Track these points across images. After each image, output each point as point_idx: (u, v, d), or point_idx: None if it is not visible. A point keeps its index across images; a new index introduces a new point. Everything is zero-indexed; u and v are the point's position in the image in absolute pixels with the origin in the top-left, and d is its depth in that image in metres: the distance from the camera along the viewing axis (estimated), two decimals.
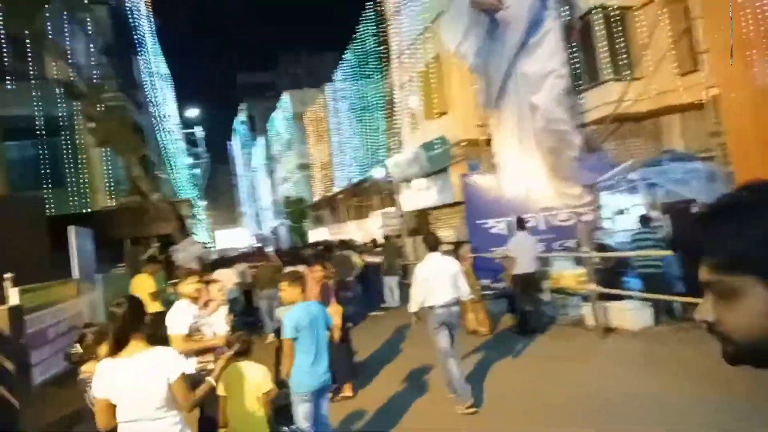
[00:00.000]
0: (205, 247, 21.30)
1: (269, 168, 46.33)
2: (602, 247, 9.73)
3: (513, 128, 12.95)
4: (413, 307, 6.08)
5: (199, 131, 38.77)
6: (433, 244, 6.34)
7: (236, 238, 50.65)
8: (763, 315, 0.73)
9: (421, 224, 19.16)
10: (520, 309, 9.24)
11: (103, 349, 3.10)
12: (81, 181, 15.69)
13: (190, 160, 38.70)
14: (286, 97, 37.50)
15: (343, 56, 24.69)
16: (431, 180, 15.93)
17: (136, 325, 2.99)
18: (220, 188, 72.48)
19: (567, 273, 9.50)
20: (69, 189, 15.47)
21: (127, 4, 20.02)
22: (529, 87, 12.85)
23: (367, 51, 21.17)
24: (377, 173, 17.57)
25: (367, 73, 21.40)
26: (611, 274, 9.05)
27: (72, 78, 12.49)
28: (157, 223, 13.44)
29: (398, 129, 18.00)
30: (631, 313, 8.26)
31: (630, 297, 8.38)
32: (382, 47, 18.92)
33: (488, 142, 13.89)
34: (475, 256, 10.96)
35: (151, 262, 9.61)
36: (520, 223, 9.84)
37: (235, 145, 62.38)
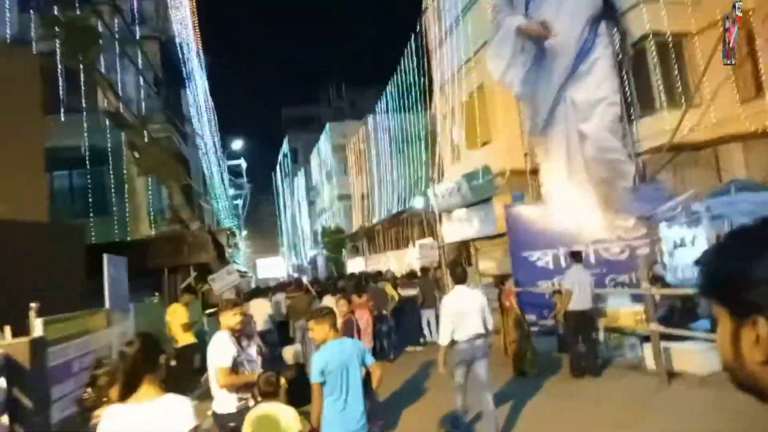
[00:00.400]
0: (243, 276, 21.25)
1: (310, 199, 46.70)
2: (663, 283, 8.97)
3: (562, 157, 12.41)
4: (443, 340, 5.88)
5: (242, 163, 39.56)
6: (460, 276, 6.23)
7: (275, 268, 51.07)
8: (727, 342, 0.82)
9: (461, 256, 18.57)
10: (573, 349, 8.53)
11: (114, 392, 2.82)
12: (124, 210, 15.93)
13: (232, 191, 39.45)
14: (327, 129, 37.93)
15: (385, 89, 24.77)
16: (473, 211, 15.42)
17: (149, 367, 2.66)
18: (262, 219, 73.70)
19: (624, 311, 8.77)
20: (112, 218, 15.72)
21: (177, 39, 20.70)
22: (579, 115, 12.34)
23: (409, 83, 21.12)
24: (417, 203, 17.18)
25: (408, 105, 21.32)
26: (674, 313, 8.28)
27: (120, 109, 12.73)
28: (195, 252, 13.38)
29: (440, 160, 17.66)
30: (697, 357, 7.45)
31: (696, 338, 7.59)
32: (423, 79, 18.80)
33: (534, 171, 13.36)
34: (520, 290, 10.32)
35: (186, 292, 9.42)
36: (576, 256, 9.11)
37: (278, 176, 63.47)
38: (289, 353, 10.75)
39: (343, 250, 33.89)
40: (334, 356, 4.03)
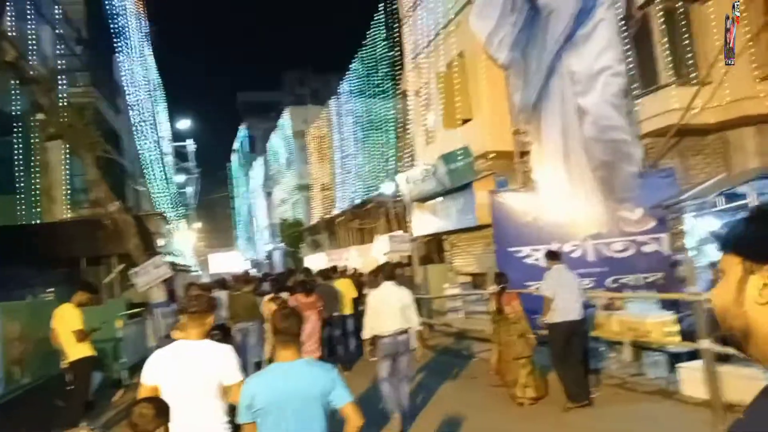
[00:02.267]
0: (184, 271, 18.65)
1: (267, 189, 44.02)
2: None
3: (556, 137, 10.58)
4: (365, 334, 6.38)
5: (190, 144, 36.54)
6: (389, 273, 6.68)
7: (230, 263, 48.10)
8: (732, 288, 0.92)
9: (433, 251, 16.61)
10: (563, 372, 6.62)
11: None
12: (32, 187, 13.23)
13: (182, 178, 36.44)
14: (286, 114, 35.41)
15: (349, 66, 22.56)
16: (449, 199, 13.46)
17: None
18: (217, 210, 70.16)
19: (650, 320, 6.93)
20: (18, 196, 13.01)
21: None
22: (577, 87, 10.51)
23: (377, 58, 18.99)
24: (386, 189, 15.10)
25: (375, 82, 19.19)
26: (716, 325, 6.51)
27: (19, 61, 10.12)
28: (113, 240, 10.92)
29: (411, 142, 15.63)
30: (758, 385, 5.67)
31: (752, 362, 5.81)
32: (393, 52, 16.71)
33: (523, 154, 11.50)
34: (520, 292, 8.35)
35: (84, 290, 7.03)
36: (553, 256, 7.26)
37: (233, 165, 60.32)
38: None
39: (302, 244, 31.54)
40: (272, 385, 2.70)
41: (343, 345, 10.71)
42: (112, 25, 17.08)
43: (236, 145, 58.30)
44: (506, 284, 7.43)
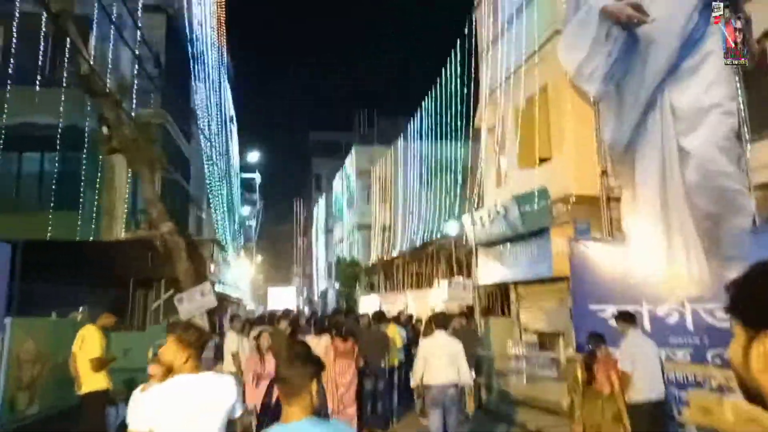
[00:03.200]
0: (229, 301, 18.08)
1: (328, 227, 43.85)
2: None
3: (653, 181, 9.21)
4: (414, 380, 6.43)
5: (257, 177, 37.00)
6: (441, 322, 6.70)
7: (285, 298, 47.98)
8: (740, 353, 0.96)
9: (496, 302, 15.18)
10: None
11: None
12: (94, 203, 13.14)
13: (245, 208, 36.87)
14: (352, 153, 35.34)
15: (420, 105, 22.01)
16: (520, 245, 12.19)
17: None
18: (280, 246, 71.08)
19: None
20: (84, 212, 12.93)
21: (193, 20, 18.34)
22: (681, 125, 9.16)
23: (449, 96, 18.28)
24: (450, 229, 13.99)
25: (446, 120, 18.44)
26: None
27: (92, 74, 10.06)
28: (161, 262, 10.40)
29: (480, 181, 14.57)
30: None
31: None
32: (468, 88, 15.93)
33: (610, 199, 10.17)
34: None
35: (111, 312, 6.32)
36: (627, 318, 6.43)
37: (298, 203, 61.13)
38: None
39: (357, 284, 30.67)
40: None
41: (386, 400, 9.52)
42: (190, 51, 17.37)
43: (304, 183, 59.19)
44: (600, 348, 6.07)
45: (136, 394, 3.60)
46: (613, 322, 9.09)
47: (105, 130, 10.08)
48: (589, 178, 10.59)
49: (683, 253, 8.81)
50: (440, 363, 6.20)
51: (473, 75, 15.16)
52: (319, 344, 8.51)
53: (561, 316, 11.45)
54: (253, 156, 35.79)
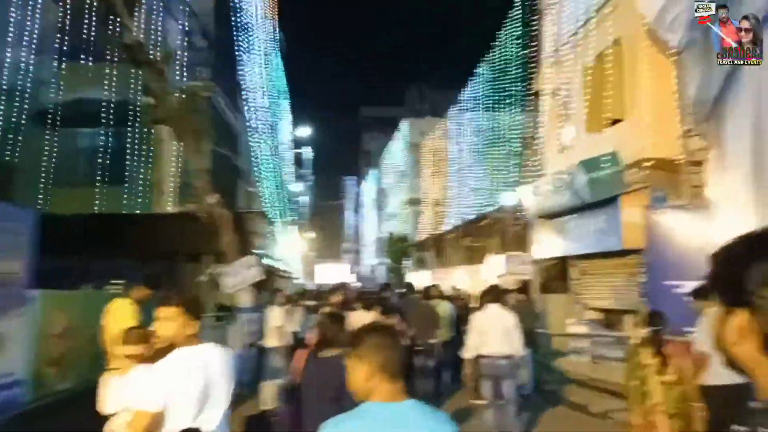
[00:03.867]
0: (278, 275, 17.85)
1: (378, 203, 43.40)
2: None
3: (745, 141, 8.03)
4: (467, 353, 6.49)
5: (308, 152, 36.81)
6: (494, 296, 6.69)
7: (338, 274, 48.08)
8: (717, 326, 1.01)
9: (555, 278, 14.21)
10: None
11: None
12: (140, 177, 13.02)
13: (299, 186, 36.84)
14: (404, 126, 34.48)
15: (474, 72, 20.89)
16: (586, 216, 11.18)
17: None
18: (331, 222, 71.54)
19: None
20: (129, 186, 12.86)
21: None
22: None
23: (507, 58, 17.12)
24: (506, 201, 13.04)
25: (503, 86, 17.30)
26: None
27: (139, 44, 9.74)
28: (206, 235, 10.11)
29: (540, 149, 13.53)
30: None
31: None
32: (527, 49, 14.76)
33: (694, 163, 9.03)
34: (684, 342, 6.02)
35: (147, 284, 5.92)
36: (702, 294, 5.46)
37: (350, 179, 61.00)
38: (268, 391, 7.29)
39: (407, 260, 30.11)
40: None
41: (436, 380, 8.94)
42: (239, 24, 16.96)
43: (355, 158, 58.91)
44: (663, 328, 5.19)
45: (110, 380, 3.57)
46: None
47: (150, 100, 9.75)
48: (666, 140, 9.45)
49: None
50: (494, 335, 6.29)
51: (534, 34, 14.00)
52: (363, 320, 8.00)
53: (629, 293, 10.45)
54: (305, 131, 35.50)
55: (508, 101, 17.09)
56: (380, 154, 45.36)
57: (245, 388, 8.51)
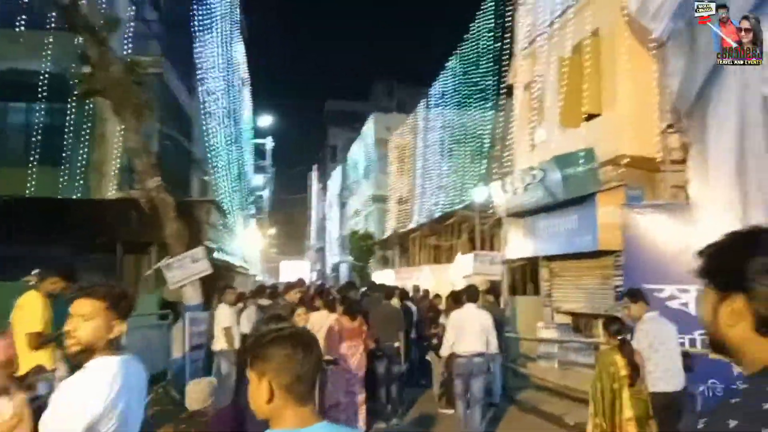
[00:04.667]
0: (234, 270, 16.87)
1: (342, 199, 42.56)
2: None
3: (729, 137, 7.63)
4: (443, 351, 6.80)
5: (268, 143, 35.64)
6: (472, 296, 6.86)
7: (299, 271, 47.06)
8: (710, 311, 1.12)
9: (523, 279, 13.77)
10: None
11: None
12: (79, 159, 11.86)
13: (258, 176, 35.64)
14: (370, 121, 33.77)
15: (443, 67, 20.33)
16: (558, 215, 10.70)
17: None
18: (294, 217, 70.12)
19: None
20: (63, 169, 11.68)
21: None
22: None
23: (479, 51, 16.61)
24: (476, 197, 12.45)
25: (474, 80, 16.79)
26: None
27: (75, 8, 8.67)
28: (147, 223, 9.14)
29: (511, 144, 13.04)
30: None
31: None
32: (500, 42, 14.24)
33: (674, 161, 8.61)
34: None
35: (60, 275, 5.00)
36: (636, 296, 5.43)
37: (314, 174, 59.91)
38: (195, 390, 6.54)
39: (371, 259, 29.41)
40: None
41: (398, 388, 8.27)
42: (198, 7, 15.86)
43: (319, 154, 57.77)
44: (625, 335, 4.95)
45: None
46: (671, 303, 7.73)
47: (86, 69, 8.70)
48: (644, 137, 9.03)
49: (763, 224, 7.31)
50: (471, 334, 6.47)
51: (508, 25, 13.48)
52: (326, 322, 7.24)
53: (603, 296, 10.02)
54: (265, 120, 34.29)
55: (479, 96, 16.57)
56: (345, 150, 44.51)
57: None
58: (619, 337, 4.85)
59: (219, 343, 8.60)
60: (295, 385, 1.51)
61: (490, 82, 15.65)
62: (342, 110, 53.13)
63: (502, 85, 14.22)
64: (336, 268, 40.43)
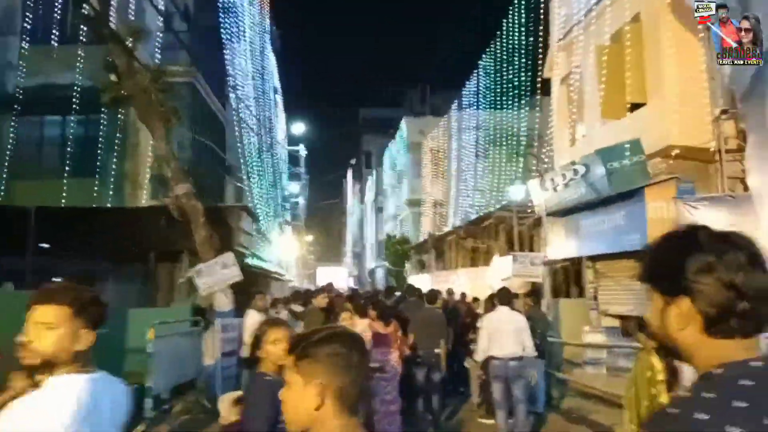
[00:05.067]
0: (269, 276, 16.79)
1: (377, 205, 42.36)
2: None
3: None
4: (478, 356, 6.78)
5: (302, 150, 35.77)
6: (505, 298, 6.70)
7: (337, 277, 47.12)
8: (657, 315, 1.08)
9: (567, 281, 13.13)
10: None
11: None
12: (111, 168, 11.96)
13: (294, 184, 35.81)
14: (403, 125, 33.47)
15: (476, 68, 19.85)
16: (603, 212, 10.10)
17: None
18: (331, 224, 70.43)
19: None
20: (98, 179, 11.80)
21: None
22: None
23: (512, 48, 16.08)
24: (514, 195, 11.90)
25: (508, 77, 16.27)
26: None
27: (103, 18, 8.70)
28: (175, 230, 9.05)
29: (550, 141, 12.48)
30: None
31: None
32: (534, 37, 13.72)
33: (729, 151, 7.95)
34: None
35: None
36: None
37: (349, 180, 60.03)
38: (223, 403, 6.24)
39: (407, 263, 29.01)
40: None
41: (439, 397, 7.81)
42: (224, 8, 15.90)
43: (353, 161, 57.83)
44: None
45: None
46: None
47: (112, 77, 8.69)
48: (695, 125, 8.39)
49: None
50: (506, 337, 6.39)
51: (542, 18, 12.96)
52: (356, 328, 6.92)
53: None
54: (298, 128, 34.44)
55: (514, 93, 16.04)
56: (380, 156, 44.39)
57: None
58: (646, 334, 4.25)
59: (246, 350, 8.39)
60: (347, 390, 1.33)
61: (525, 78, 15.11)
62: (376, 117, 53.05)
63: (537, 81, 13.67)
64: (372, 273, 40.20)
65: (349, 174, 60.27)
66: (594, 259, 10.91)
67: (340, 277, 51.76)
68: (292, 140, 34.33)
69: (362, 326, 7.05)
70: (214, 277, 9.00)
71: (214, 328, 9.18)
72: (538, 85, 14.12)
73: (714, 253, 1.00)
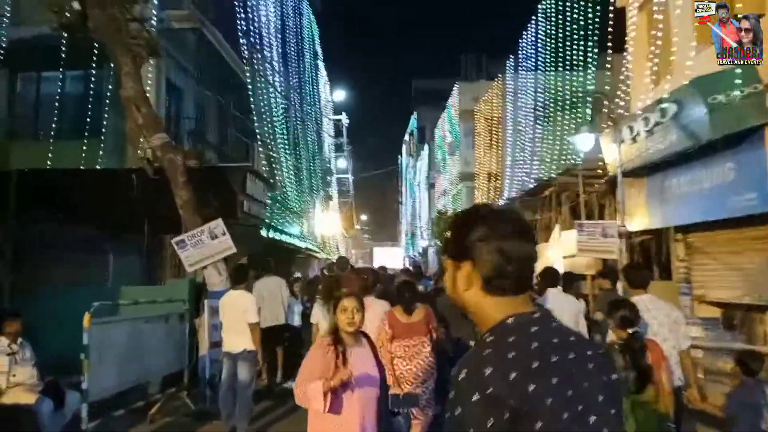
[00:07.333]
0: (303, 253, 15.14)
1: (430, 181, 40.21)
2: None
3: None
4: None
5: (344, 119, 34.00)
6: (553, 279, 6.15)
7: (391, 258, 45.71)
8: (450, 279, 1.30)
9: (650, 259, 10.65)
10: None
11: None
12: (118, 128, 10.56)
13: (342, 162, 34.27)
14: (455, 92, 31.00)
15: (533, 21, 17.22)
16: (700, 166, 7.66)
17: None
18: (386, 203, 68.83)
19: None
20: (86, 140, 10.44)
21: None
22: None
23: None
24: (582, 144, 9.38)
25: (572, 15, 13.66)
26: None
27: None
28: (149, 190, 7.47)
29: (627, 83, 10.01)
30: None
31: None
32: None
33: None
34: None
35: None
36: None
37: (403, 156, 58.08)
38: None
39: None
40: None
41: None
42: None
43: (407, 136, 55.61)
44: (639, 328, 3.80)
45: None
46: None
47: (76, 4, 7.10)
48: None
49: None
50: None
51: None
52: (377, 313, 5.22)
53: None
54: (338, 94, 32.62)
55: (578, 32, 13.46)
56: (434, 129, 42.09)
57: None
58: (629, 330, 3.84)
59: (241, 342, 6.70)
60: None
61: (590, 11, 12.55)
62: (430, 88, 50.47)
63: (609, 9, 11.08)
64: (424, 252, 38.28)
65: (404, 149, 58.23)
66: (686, 229, 8.46)
67: (396, 257, 50.26)
68: (336, 110, 32.65)
69: (383, 309, 5.36)
70: (200, 248, 7.37)
71: (205, 312, 7.61)
72: (609, 22, 11.53)
73: (489, 225, 1.25)
